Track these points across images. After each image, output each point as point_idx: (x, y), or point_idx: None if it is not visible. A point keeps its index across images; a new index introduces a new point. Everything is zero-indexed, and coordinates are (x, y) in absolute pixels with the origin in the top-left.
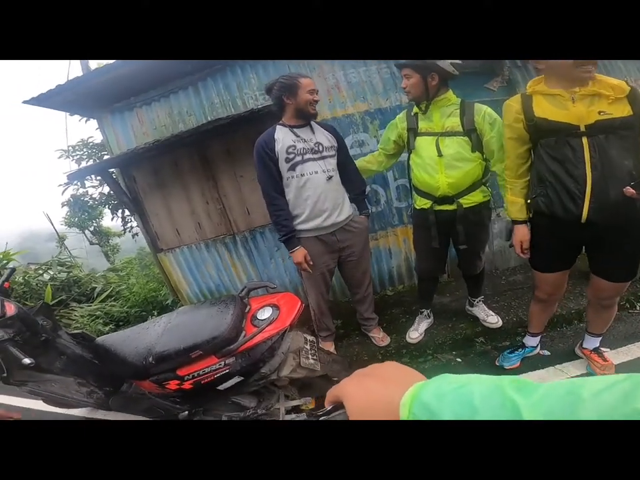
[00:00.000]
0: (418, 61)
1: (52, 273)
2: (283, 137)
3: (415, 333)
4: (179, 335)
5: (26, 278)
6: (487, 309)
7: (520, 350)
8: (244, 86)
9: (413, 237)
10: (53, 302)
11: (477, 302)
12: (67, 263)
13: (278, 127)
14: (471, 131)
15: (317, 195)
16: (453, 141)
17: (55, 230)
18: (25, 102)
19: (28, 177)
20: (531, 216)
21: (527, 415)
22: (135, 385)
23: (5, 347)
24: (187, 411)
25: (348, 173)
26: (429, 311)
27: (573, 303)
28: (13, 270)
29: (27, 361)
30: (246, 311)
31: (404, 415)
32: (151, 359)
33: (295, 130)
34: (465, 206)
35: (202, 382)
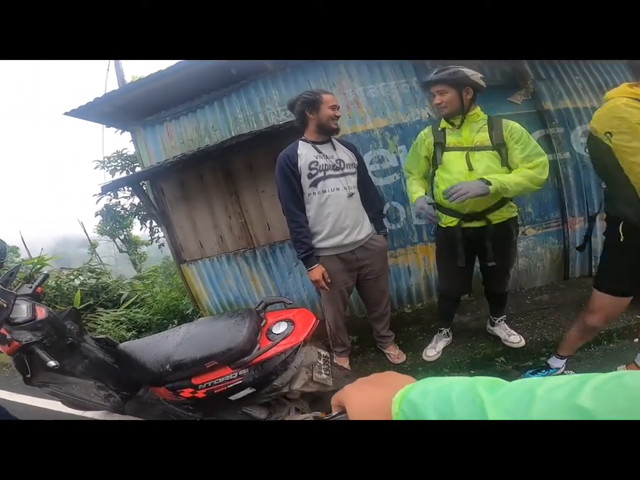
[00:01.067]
0: (450, 76)
1: (82, 278)
2: (305, 153)
3: (432, 351)
4: (196, 344)
5: (58, 282)
6: (508, 328)
7: (544, 371)
8: (266, 101)
9: (436, 256)
10: (82, 306)
11: (499, 321)
12: (96, 270)
13: (300, 142)
14: (500, 145)
15: (338, 212)
16: (482, 155)
17: (88, 237)
18: (65, 114)
19: (65, 185)
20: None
21: (490, 411)
22: (151, 390)
23: (32, 348)
24: (198, 418)
25: (367, 191)
26: (448, 330)
27: None
28: (47, 276)
29: (52, 363)
30: (262, 324)
31: (394, 412)
32: (168, 367)
33: (317, 146)
34: (494, 222)
35: (215, 391)
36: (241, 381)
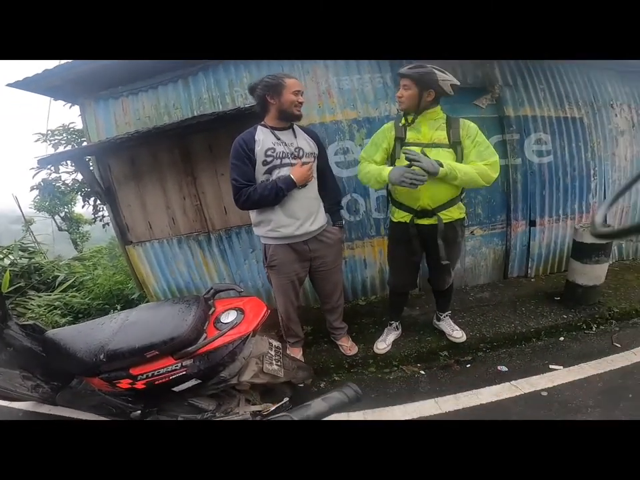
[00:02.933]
0: (420, 74)
1: (12, 258)
2: (263, 139)
3: (383, 344)
4: (135, 333)
5: None
6: (452, 323)
7: None
8: (235, 83)
9: (387, 251)
10: (10, 289)
11: (444, 317)
12: (29, 249)
13: (259, 127)
14: (456, 144)
15: (291, 201)
16: (438, 152)
17: (22, 212)
18: (8, 85)
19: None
20: None
21: None
22: (85, 381)
23: None
24: (139, 410)
25: (325, 181)
26: (397, 323)
27: (533, 322)
28: None
29: None
30: (210, 312)
31: None
32: (102, 356)
33: (276, 132)
34: (444, 221)
35: (155, 382)
36: (185, 372)
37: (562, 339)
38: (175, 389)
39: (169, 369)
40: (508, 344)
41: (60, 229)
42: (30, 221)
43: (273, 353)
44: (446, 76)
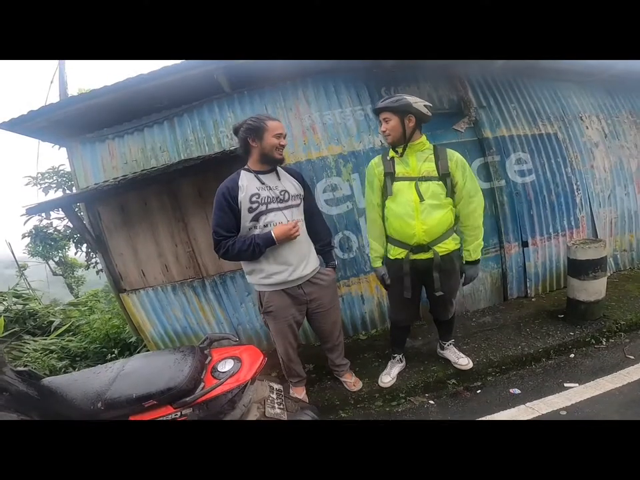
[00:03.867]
0: (393, 103)
1: (6, 304)
2: (247, 185)
3: (387, 377)
4: (132, 382)
5: None
6: (457, 351)
7: None
8: (220, 124)
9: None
10: (5, 333)
11: (448, 345)
12: (23, 295)
13: (243, 172)
14: (445, 176)
15: (281, 248)
16: (429, 185)
17: (15, 258)
18: None
19: None
20: None
21: None
22: None
23: None
24: None
25: (314, 222)
26: (401, 356)
27: (540, 342)
28: None
29: None
30: (206, 362)
31: None
32: (99, 405)
33: (260, 176)
34: (440, 254)
35: None
36: (185, 420)
37: (572, 355)
38: None
39: (169, 418)
40: (517, 366)
41: (54, 274)
42: (24, 266)
43: (274, 396)
44: (417, 99)
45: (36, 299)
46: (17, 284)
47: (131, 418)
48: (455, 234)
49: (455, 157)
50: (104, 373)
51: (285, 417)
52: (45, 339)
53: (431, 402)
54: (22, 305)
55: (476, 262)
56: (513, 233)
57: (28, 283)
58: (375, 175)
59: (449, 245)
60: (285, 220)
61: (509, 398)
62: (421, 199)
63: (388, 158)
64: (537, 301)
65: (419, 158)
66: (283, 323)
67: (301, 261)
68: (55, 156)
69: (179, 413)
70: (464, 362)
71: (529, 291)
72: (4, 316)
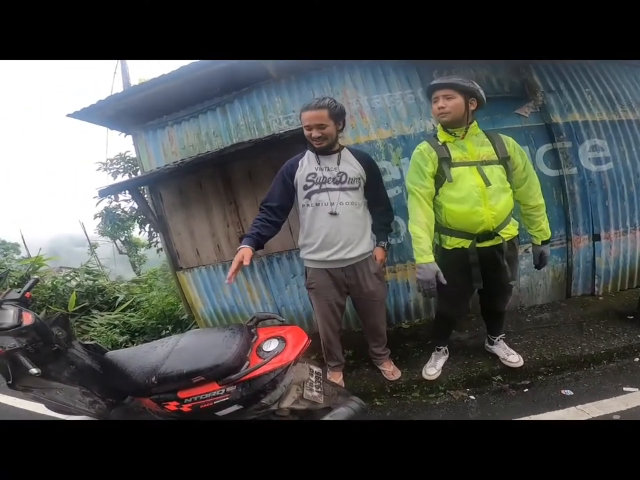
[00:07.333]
0: (461, 82)
1: (79, 279)
2: (307, 164)
3: (433, 369)
4: (184, 358)
5: (54, 283)
6: (507, 347)
7: None
8: (269, 109)
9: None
10: (76, 308)
11: (498, 340)
12: (94, 271)
13: (308, 152)
14: (505, 159)
15: (329, 226)
16: (492, 170)
17: (87, 238)
18: (68, 115)
19: (68, 186)
20: None
21: None
22: (137, 400)
23: (15, 355)
24: None
25: (378, 203)
26: (446, 348)
27: (603, 343)
28: (37, 280)
29: (34, 371)
30: (252, 340)
31: None
32: (154, 379)
33: (320, 157)
34: (506, 239)
35: (200, 406)
36: (228, 398)
37: (637, 359)
38: (218, 413)
39: (214, 394)
40: (573, 367)
41: (120, 252)
42: (95, 245)
43: (313, 379)
44: (478, 85)
45: (104, 275)
46: (89, 261)
47: (179, 393)
48: (513, 218)
49: (510, 141)
50: (160, 348)
51: (321, 400)
52: (110, 314)
53: (472, 397)
54: (92, 281)
55: (548, 241)
56: (583, 224)
57: (98, 260)
58: (428, 160)
59: (511, 230)
60: (336, 201)
61: (558, 399)
62: (487, 183)
63: (440, 143)
64: (605, 299)
65: (475, 142)
66: (323, 302)
67: (347, 244)
68: (122, 143)
69: (222, 390)
70: (514, 359)
71: (596, 289)
72: (76, 291)
